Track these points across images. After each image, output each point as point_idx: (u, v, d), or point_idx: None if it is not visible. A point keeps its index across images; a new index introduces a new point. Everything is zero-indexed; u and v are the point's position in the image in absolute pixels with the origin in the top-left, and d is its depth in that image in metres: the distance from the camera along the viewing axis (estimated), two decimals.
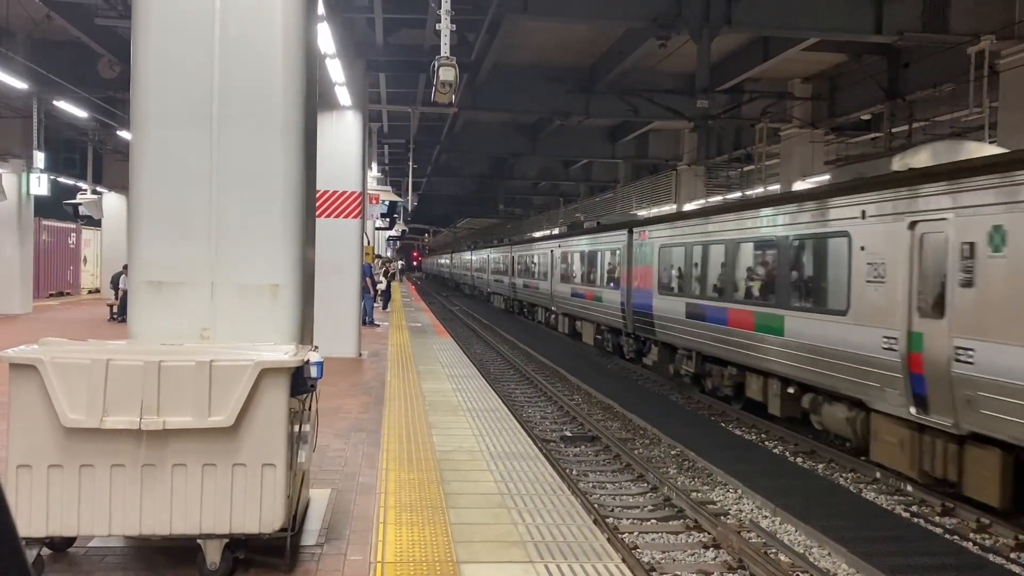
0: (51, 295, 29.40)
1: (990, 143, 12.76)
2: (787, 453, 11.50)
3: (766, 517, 8.66)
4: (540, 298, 30.59)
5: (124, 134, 21.61)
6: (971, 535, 8.21)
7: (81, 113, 20.21)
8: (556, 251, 27.65)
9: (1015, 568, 7.34)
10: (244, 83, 5.12)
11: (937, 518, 8.73)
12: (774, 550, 7.65)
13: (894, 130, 20.32)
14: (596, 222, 26.04)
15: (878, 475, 10.08)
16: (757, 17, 15.25)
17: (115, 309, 20.55)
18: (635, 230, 19.02)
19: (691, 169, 28.34)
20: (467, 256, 58.88)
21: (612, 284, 20.52)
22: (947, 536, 8.14)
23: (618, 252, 20.13)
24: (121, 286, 20.02)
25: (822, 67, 21.26)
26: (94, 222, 30.05)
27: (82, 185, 27.35)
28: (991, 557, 7.58)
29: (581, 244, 24.38)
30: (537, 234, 38.39)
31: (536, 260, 31.33)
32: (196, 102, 5.07)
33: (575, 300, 24.62)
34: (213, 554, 4.39)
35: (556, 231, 31.61)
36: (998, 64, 14.93)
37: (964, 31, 14.91)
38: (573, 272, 25.05)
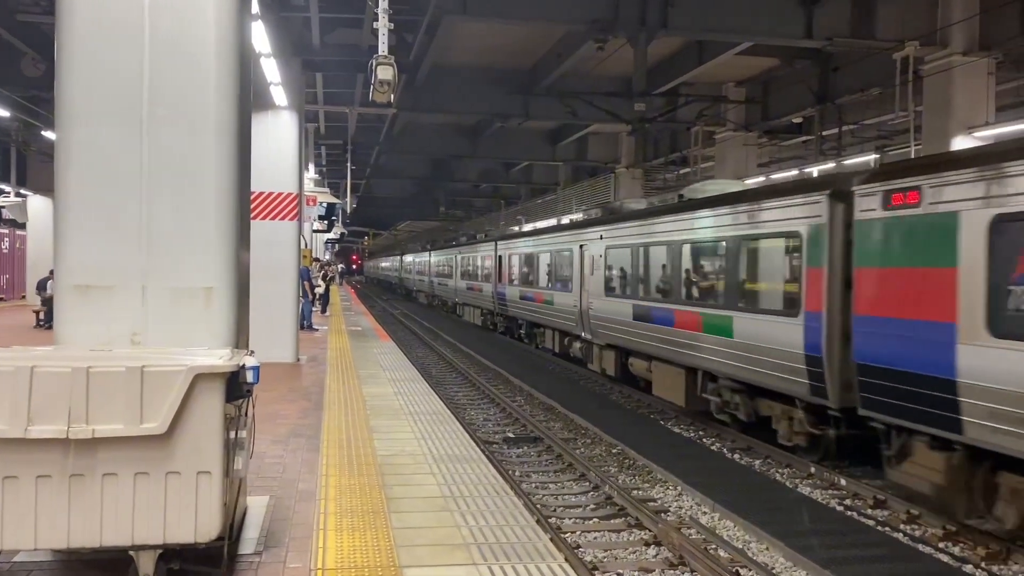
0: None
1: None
2: (724, 450, 11.69)
3: (705, 514, 8.80)
4: (557, 319, 20.50)
5: (49, 134, 20.90)
6: (901, 526, 8.47)
7: (3, 112, 19.49)
8: (593, 247, 17.69)
9: (943, 557, 7.60)
10: (175, 82, 4.98)
11: (869, 511, 8.98)
12: (714, 546, 7.77)
13: (824, 133, 20.92)
14: (679, 195, 15.07)
15: (812, 470, 10.32)
16: (692, 21, 15.55)
17: (41, 315, 19.88)
18: (862, 194, 8.87)
19: (629, 172, 28.73)
20: (424, 258, 46.02)
21: (769, 305, 10.95)
22: (879, 528, 8.38)
23: (791, 243, 10.45)
24: (48, 291, 19.38)
25: (755, 71, 21.75)
26: (18, 225, 29.13)
27: (5, 187, 26.41)
28: (920, 547, 7.83)
29: (661, 232, 14.17)
30: (563, 220, 27.50)
31: (549, 262, 21.47)
32: (124, 101, 4.91)
33: (644, 328, 14.70)
34: (147, 565, 4.27)
35: (591, 215, 19.55)
36: (922, 69, 15.47)
37: (890, 37, 15.43)
38: (637, 281, 15.28)
